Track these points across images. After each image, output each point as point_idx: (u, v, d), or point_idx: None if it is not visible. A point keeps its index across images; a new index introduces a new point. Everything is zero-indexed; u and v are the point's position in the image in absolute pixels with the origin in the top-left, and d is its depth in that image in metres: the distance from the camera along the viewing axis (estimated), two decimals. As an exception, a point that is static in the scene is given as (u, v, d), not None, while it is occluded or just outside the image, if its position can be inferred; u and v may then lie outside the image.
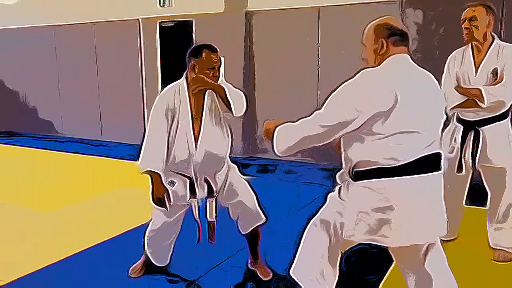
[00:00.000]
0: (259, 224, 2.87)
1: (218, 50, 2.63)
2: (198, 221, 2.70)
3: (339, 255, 2.13)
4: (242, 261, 3.07)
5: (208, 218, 2.74)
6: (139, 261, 2.98)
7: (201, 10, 6.44)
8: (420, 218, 1.91)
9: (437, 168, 1.95)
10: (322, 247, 2.08)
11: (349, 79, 1.97)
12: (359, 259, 3.17)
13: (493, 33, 2.95)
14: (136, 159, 2.61)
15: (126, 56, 7.26)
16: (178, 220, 2.78)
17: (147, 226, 2.87)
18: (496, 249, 3.09)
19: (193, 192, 2.67)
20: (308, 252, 2.12)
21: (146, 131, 2.61)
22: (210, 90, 2.62)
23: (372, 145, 1.85)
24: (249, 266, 3.02)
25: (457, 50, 3.08)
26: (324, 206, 2.15)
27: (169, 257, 2.91)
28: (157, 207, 2.58)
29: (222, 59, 2.64)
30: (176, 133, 2.57)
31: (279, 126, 2.06)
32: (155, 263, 2.91)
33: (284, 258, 2.67)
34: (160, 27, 7.03)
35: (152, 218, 2.82)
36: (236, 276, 2.95)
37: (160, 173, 2.53)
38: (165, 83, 7.12)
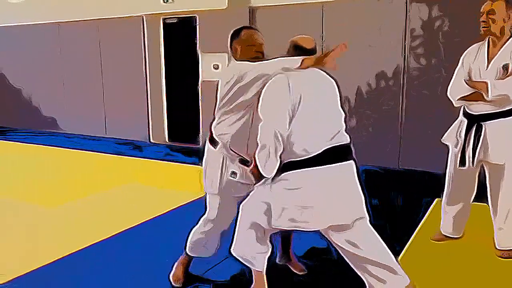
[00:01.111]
0: None
1: (259, 31, 2.63)
2: None
3: (270, 233, 2.50)
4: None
5: None
6: (177, 267, 2.85)
7: (204, 6, 6.43)
8: (334, 203, 2.23)
9: (344, 158, 2.28)
10: (255, 229, 2.42)
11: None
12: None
13: None
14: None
15: (130, 52, 7.25)
16: (234, 212, 2.61)
17: (192, 227, 2.77)
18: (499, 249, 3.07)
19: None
20: (244, 234, 2.45)
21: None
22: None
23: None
24: (278, 261, 3.01)
25: (474, 44, 3.05)
26: (253, 193, 2.44)
27: (216, 249, 2.79)
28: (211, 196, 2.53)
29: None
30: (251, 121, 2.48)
31: (257, 156, 2.23)
32: (203, 256, 2.80)
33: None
34: (164, 23, 7.02)
35: (206, 215, 2.70)
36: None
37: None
38: (168, 79, 7.17)
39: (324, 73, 2.40)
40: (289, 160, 2.22)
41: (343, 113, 2.38)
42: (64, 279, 2.91)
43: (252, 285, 2.54)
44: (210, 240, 2.74)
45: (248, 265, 2.51)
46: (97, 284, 2.84)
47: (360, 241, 2.33)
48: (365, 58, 5.33)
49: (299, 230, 2.35)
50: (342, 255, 2.41)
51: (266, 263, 2.50)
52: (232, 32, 2.61)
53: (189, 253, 2.81)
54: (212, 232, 2.71)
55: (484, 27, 2.88)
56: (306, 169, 2.20)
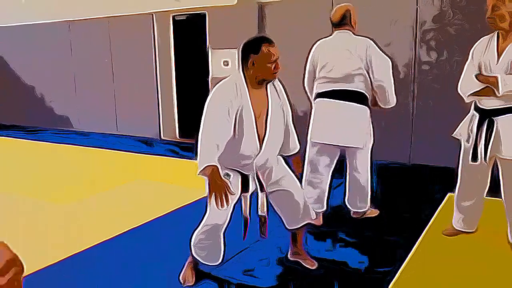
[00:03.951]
0: (308, 221, 2.85)
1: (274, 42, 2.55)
2: (248, 217, 2.64)
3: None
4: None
5: (260, 212, 2.68)
6: (186, 268, 2.83)
7: (213, 3, 6.43)
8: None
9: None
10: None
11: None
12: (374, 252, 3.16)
13: None
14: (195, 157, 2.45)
15: (140, 49, 7.29)
16: (228, 216, 2.63)
17: (194, 230, 2.73)
18: None
19: (244, 187, 2.62)
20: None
21: (203, 128, 2.40)
22: (272, 86, 2.60)
23: None
24: (290, 257, 3.02)
25: (483, 37, 2.99)
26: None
27: (222, 254, 2.74)
28: (215, 204, 2.31)
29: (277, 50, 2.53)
30: (239, 132, 2.48)
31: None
32: (209, 263, 2.76)
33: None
34: (174, 20, 7.04)
35: (205, 219, 2.65)
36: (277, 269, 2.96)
37: (217, 165, 2.32)
38: (179, 76, 7.20)
39: None
40: None
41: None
42: (74, 277, 2.94)
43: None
44: (211, 245, 2.69)
45: None
46: (106, 282, 2.86)
47: None
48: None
49: None
50: None
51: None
52: (248, 42, 2.53)
53: (195, 256, 2.77)
54: (210, 234, 2.65)
55: (491, 23, 2.83)
56: None
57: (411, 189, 4.54)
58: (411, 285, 2.72)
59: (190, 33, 6.94)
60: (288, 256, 3.03)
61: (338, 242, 3.32)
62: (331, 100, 3.40)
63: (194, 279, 2.79)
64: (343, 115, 3.37)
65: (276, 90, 2.65)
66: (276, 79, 2.65)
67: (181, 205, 4.10)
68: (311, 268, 2.91)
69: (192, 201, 4.17)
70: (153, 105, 7.34)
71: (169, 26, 7.08)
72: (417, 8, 5.09)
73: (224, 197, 2.26)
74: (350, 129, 3.38)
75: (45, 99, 8.65)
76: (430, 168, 5.05)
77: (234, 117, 2.44)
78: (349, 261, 3.00)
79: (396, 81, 3.43)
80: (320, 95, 3.49)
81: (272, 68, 2.48)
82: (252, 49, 2.48)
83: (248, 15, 6.03)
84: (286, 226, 2.87)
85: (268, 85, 2.59)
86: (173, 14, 6.99)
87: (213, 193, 2.27)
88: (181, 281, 2.78)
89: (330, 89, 3.40)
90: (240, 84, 2.49)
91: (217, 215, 2.57)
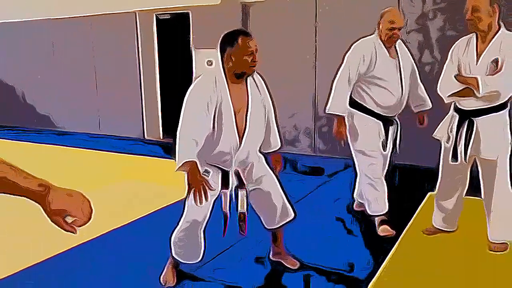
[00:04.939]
0: (288, 221, 2.85)
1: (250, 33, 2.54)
2: (228, 213, 2.62)
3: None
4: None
5: (239, 209, 2.66)
6: (167, 269, 2.81)
7: (197, 2, 6.41)
8: None
9: None
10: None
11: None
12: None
13: (500, 22, 2.87)
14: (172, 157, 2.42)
15: (123, 48, 7.23)
16: (209, 212, 2.62)
17: (174, 229, 2.71)
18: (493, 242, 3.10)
19: (225, 184, 2.60)
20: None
21: (181, 124, 2.42)
22: (252, 81, 2.59)
23: None
24: (272, 257, 3.02)
25: (462, 38, 3.03)
26: None
27: (202, 252, 2.72)
28: (193, 202, 2.31)
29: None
30: (218, 127, 2.46)
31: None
32: (188, 262, 2.74)
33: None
34: (157, 19, 7.00)
35: (184, 217, 2.64)
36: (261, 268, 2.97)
37: (196, 161, 2.32)
38: (162, 75, 7.15)
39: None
40: None
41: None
42: (57, 277, 2.91)
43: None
44: (190, 242, 2.68)
45: None
46: (87, 284, 2.83)
47: None
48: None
49: None
50: None
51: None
52: (225, 35, 2.51)
53: (175, 256, 2.76)
54: (189, 231, 2.64)
55: (471, 25, 2.87)
56: None
57: (392, 189, 4.58)
58: (392, 285, 2.75)
59: (174, 33, 6.90)
60: (270, 256, 3.03)
61: (319, 241, 3.34)
62: None
63: (175, 280, 2.77)
64: None
65: (257, 85, 2.62)
66: (257, 75, 2.64)
67: (164, 205, 4.07)
68: (292, 267, 2.92)
69: (175, 201, 4.14)
70: (136, 104, 7.28)
71: (153, 25, 7.03)
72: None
73: (203, 193, 2.25)
74: None
75: (26, 99, 8.52)
76: (411, 168, 5.11)
77: (213, 112, 2.43)
78: (329, 260, 3.01)
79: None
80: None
81: (249, 60, 2.45)
82: (229, 42, 2.47)
83: (232, 15, 6.02)
84: (265, 225, 2.87)
85: (248, 80, 2.57)
86: (157, 13, 6.95)
87: (192, 189, 2.26)
88: (162, 282, 2.76)
89: None
90: (219, 78, 2.48)
91: (196, 212, 2.56)
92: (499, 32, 2.84)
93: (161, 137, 7.26)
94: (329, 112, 3.32)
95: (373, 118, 3.36)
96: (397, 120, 3.50)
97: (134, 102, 7.28)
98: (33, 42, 8.14)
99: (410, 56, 3.50)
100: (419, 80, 3.53)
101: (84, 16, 7.43)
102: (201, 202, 2.27)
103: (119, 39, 7.22)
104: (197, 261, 2.75)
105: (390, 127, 3.44)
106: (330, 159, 5.61)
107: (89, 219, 1.20)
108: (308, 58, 5.75)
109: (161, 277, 2.79)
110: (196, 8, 6.48)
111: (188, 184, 2.29)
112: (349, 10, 5.43)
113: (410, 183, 4.71)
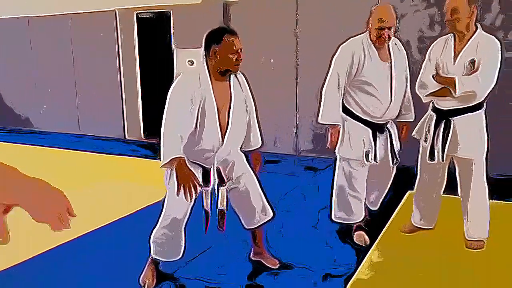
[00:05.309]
0: (267, 220, 2.86)
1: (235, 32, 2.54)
2: (209, 211, 2.62)
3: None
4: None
5: (219, 207, 2.66)
6: (147, 270, 2.78)
7: (178, 1, 6.37)
8: None
9: None
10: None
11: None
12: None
13: (477, 24, 2.92)
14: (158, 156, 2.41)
15: (103, 48, 7.14)
16: (189, 209, 2.62)
17: (153, 228, 2.70)
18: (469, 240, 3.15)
19: (205, 181, 2.59)
20: None
21: (165, 120, 2.41)
22: (235, 79, 2.58)
23: None
24: (252, 257, 3.02)
25: (440, 38, 3.08)
26: None
27: (182, 249, 2.71)
28: (182, 196, 2.29)
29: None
30: (200, 124, 2.46)
31: None
32: (168, 259, 2.73)
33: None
34: (138, 18, 6.93)
35: (163, 215, 2.64)
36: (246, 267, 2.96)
37: (184, 156, 2.32)
38: (143, 75, 7.09)
39: None
40: None
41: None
42: (34, 278, 2.87)
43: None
44: (171, 239, 2.66)
45: None
46: (66, 285, 2.80)
47: None
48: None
49: None
50: None
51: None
52: (211, 32, 2.51)
53: (154, 256, 2.74)
54: (169, 228, 2.62)
55: (450, 26, 2.91)
56: None
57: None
58: (371, 283, 2.77)
59: (155, 32, 6.85)
60: (251, 256, 3.04)
61: (300, 240, 3.35)
62: None
63: (154, 281, 2.75)
64: None
65: (240, 83, 2.63)
66: (240, 73, 2.64)
67: (144, 206, 4.04)
68: (273, 267, 2.93)
69: (156, 201, 4.10)
70: (117, 104, 7.20)
71: (133, 24, 6.96)
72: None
73: (193, 189, 2.25)
74: None
75: (5, 99, 8.36)
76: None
77: (197, 108, 2.42)
78: (310, 259, 3.03)
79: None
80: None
81: (234, 59, 2.46)
82: (215, 39, 2.47)
83: (213, 14, 5.99)
84: (244, 225, 2.88)
85: (231, 78, 2.57)
86: (137, 12, 6.88)
87: (182, 185, 2.25)
88: (141, 283, 2.74)
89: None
90: (203, 75, 2.48)
91: (174, 209, 2.57)
92: (476, 33, 2.90)
93: (143, 137, 7.20)
94: (322, 123, 3.11)
95: (361, 125, 3.10)
96: (390, 127, 3.20)
97: (115, 101, 7.20)
98: (10, 41, 7.99)
99: (406, 59, 3.18)
100: (408, 88, 3.21)
101: (62, 14, 7.32)
102: (191, 198, 2.28)
103: (99, 38, 7.13)
104: (177, 258, 2.73)
105: (380, 135, 3.13)
106: (312, 158, 5.64)
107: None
108: (289, 57, 5.76)
109: (141, 278, 2.77)
110: (177, 7, 6.44)
111: (177, 179, 2.27)
112: (330, 8, 5.45)
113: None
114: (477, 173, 3.01)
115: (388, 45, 3.03)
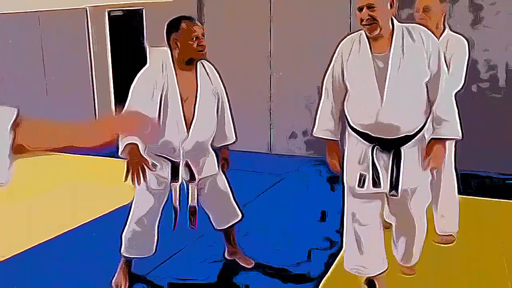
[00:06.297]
0: (235, 221, 2.84)
1: (194, 18, 2.50)
2: (177, 207, 2.57)
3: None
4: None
5: (190, 203, 2.61)
6: (119, 272, 2.73)
7: (150, -2, 6.29)
8: None
9: None
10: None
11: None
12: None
13: (446, 24, 2.93)
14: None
15: (74, 46, 7.00)
16: (160, 206, 2.59)
17: (123, 227, 2.65)
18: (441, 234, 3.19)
19: (174, 177, 2.54)
20: None
21: (126, 108, 2.39)
22: (203, 70, 2.53)
23: None
24: (227, 256, 3.00)
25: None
26: None
27: (155, 246, 2.66)
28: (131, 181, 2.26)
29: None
30: (164, 115, 2.41)
31: None
32: (141, 256, 2.66)
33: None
34: (109, 16, 6.82)
35: (132, 211, 2.61)
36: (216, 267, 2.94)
37: (138, 143, 2.27)
38: (115, 73, 6.97)
39: None
40: None
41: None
42: (5, 281, 2.80)
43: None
44: (139, 236, 2.61)
45: None
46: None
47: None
48: (311, 41, 5.39)
49: None
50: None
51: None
52: (169, 22, 2.47)
53: (124, 255, 2.69)
54: (139, 225, 2.59)
55: (422, 25, 2.91)
56: None
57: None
58: (344, 281, 2.78)
59: (127, 30, 6.75)
60: (225, 255, 3.02)
61: (273, 240, 3.34)
62: None
63: (127, 283, 2.70)
64: None
65: (208, 74, 2.57)
66: (209, 64, 2.60)
67: (117, 207, 3.97)
68: (247, 266, 2.92)
69: (128, 202, 4.06)
70: (88, 103, 7.07)
71: (105, 22, 6.84)
72: (350, 15, 5.19)
73: (141, 173, 2.21)
74: None
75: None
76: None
77: (159, 97, 2.39)
78: (283, 259, 3.02)
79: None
80: None
81: (195, 45, 2.41)
82: (173, 27, 2.44)
83: (186, 12, 5.90)
84: (214, 226, 2.85)
85: (199, 69, 2.53)
86: (109, 9, 6.77)
87: (129, 169, 2.22)
88: (113, 286, 2.69)
89: None
90: (167, 64, 2.44)
91: (141, 204, 2.55)
92: (444, 33, 2.93)
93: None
94: (315, 136, 2.51)
95: (361, 139, 2.33)
96: (410, 149, 2.28)
97: (86, 101, 7.07)
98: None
99: (430, 52, 2.18)
100: (441, 93, 2.23)
101: (31, 11, 7.14)
102: (138, 183, 2.23)
103: (70, 36, 6.98)
104: (148, 255, 2.68)
105: (382, 154, 2.29)
106: (285, 157, 5.65)
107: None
108: (263, 53, 5.75)
109: (113, 281, 2.72)
110: (149, 5, 6.35)
111: (126, 164, 2.24)
112: (304, 3, 5.46)
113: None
114: (446, 167, 3.06)
115: (393, 33, 2.20)
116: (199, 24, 2.47)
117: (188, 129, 2.46)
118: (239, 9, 5.80)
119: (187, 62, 2.46)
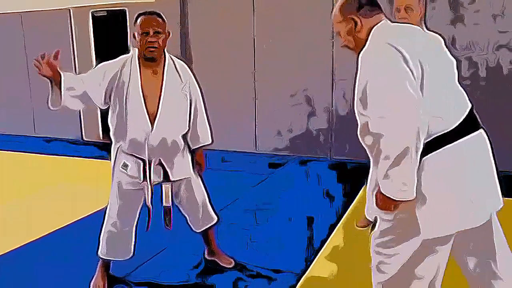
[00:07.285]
0: (211, 225, 2.84)
1: (158, 14, 2.46)
2: (150, 207, 2.54)
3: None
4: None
5: (164, 203, 2.58)
6: (97, 274, 2.70)
7: (134, -1, 6.25)
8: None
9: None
10: None
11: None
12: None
13: (423, 22, 2.87)
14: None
15: (57, 47, 6.86)
16: (135, 207, 2.57)
17: (100, 231, 2.65)
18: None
19: (145, 176, 2.50)
20: None
21: None
22: (171, 67, 2.50)
23: None
24: (207, 256, 2.99)
25: None
26: None
27: (132, 248, 2.65)
28: (115, 196, 2.35)
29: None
30: (126, 110, 2.39)
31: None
32: (118, 259, 2.66)
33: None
34: (93, 17, 6.77)
35: (107, 213, 2.60)
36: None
37: (62, 75, 2.41)
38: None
39: None
40: None
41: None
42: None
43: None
44: (115, 237, 2.60)
45: None
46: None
47: None
48: (296, 50, 5.40)
49: None
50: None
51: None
52: (136, 16, 2.47)
53: (101, 257, 2.67)
54: (114, 228, 2.58)
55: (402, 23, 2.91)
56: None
57: (331, 184, 4.67)
58: (322, 280, 2.80)
59: (111, 30, 6.70)
60: (205, 255, 3.01)
61: (254, 239, 3.34)
62: None
63: (105, 285, 2.69)
64: None
65: (177, 70, 2.54)
66: (180, 61, 2.58)
67: (99, 208, 3.94)
68: (227, 266, 2.92)
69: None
70: (73, 105, 7.00)
71: (88, 23, 6.79)
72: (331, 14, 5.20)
73: (45, 63, 2.38)
74: None
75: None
76: (346, 163, 5.23)
77: (107, 83, 2.42)
78: (263, 258, 3.02)
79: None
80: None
81: (144, 41, 2.38)
82: (134, 22, 2.44)
83: (169, 12, 5.88)
84: (191, 228, 2.85)
85: (166, 65, 2.50)
86: (92, 10, 6.72)
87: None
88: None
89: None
90: (131, 61, 2.44)
91: (115, 206, 2.54)
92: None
93: (101, 138, 7.04)
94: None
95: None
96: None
97: (71, 102, 6.99)
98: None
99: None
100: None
101: (13, 12, 7.06)
102: (39, 69, 2.35)
103: (53, 37, 6.90)
104: (125, 258, 2.66)
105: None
106: (270, 156, 5.65)
107: None
108: (246, 50, 5.75)
109: (91, 283, 2.70)
110: (133, 5, 6.31)
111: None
112: (287, 5, 5.47)
113: (348, 178, 4.81)
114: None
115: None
116: (160, 19, 2.42)
117: (152, 123, 2.43)
118: (223, 8, 5.79)
119: (145, 59, 2.44)
